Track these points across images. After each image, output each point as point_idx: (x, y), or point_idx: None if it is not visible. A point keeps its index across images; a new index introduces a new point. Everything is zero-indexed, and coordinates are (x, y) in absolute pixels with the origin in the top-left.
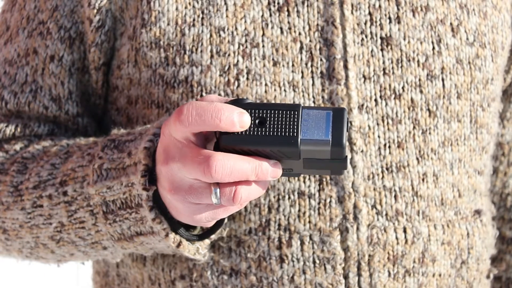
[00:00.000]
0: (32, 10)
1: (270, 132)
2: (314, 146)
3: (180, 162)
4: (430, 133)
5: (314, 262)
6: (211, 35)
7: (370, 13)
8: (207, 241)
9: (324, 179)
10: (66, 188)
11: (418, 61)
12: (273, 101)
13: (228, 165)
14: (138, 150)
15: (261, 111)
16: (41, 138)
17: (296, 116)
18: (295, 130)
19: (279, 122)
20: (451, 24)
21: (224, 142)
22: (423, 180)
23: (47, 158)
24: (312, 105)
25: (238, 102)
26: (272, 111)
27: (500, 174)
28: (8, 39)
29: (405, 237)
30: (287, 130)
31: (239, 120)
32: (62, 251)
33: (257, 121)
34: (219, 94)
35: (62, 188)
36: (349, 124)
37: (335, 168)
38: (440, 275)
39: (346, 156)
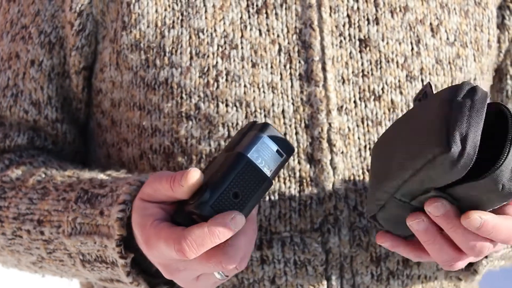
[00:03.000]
0: (16, 14)
1: (246, 195)
2: (278, 169)
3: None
4: None
5: (295, 263)
6: (190, 37)
7: (348, 15)
8: None
9: (304, 180)
10: (43, 228)
11: (397, 62)
12: (251, 103)
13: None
14: (110, 213)
15: (229, 184)
16: (21, 158)
17: (251, 166)
18: (261, 174)
19: (246, 182)
20: (430, 24)
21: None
22: None
23: (25, 190)
24: (291, 106)
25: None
26: (235, 178)
27: None
28: None
29: None
30: (255, 179)
31: (235, 227)
32: (45, 273)
33: (231, 197)
34: (199, 96)
35: (40, 228)
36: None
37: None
38: (425, 277)
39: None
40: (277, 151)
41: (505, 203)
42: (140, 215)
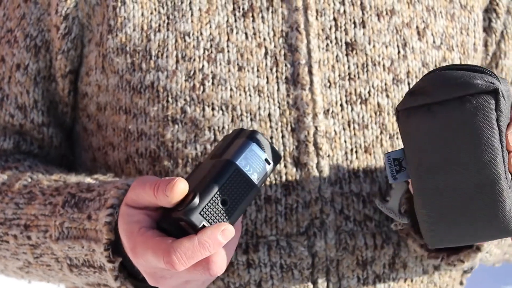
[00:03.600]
0: (1, 18)
1: (234, 202)
2: (266, 176)
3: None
4: (397, 138)
5: (281, 267)
6: (176, 41)
7: (335, 19)
8: None
9: (290, 184)
10: (30, 233)
11: (383, 65)
12: (238, 106)
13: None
14: (98, 217)
15: (218, 192)
16: (7, 163)
17: (240, 173)
18: (249, 182)
19: (235, 190)
20: (417, 27)
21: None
22: (391, 185)
23: (12, 195)
24: (278, 110)
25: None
26: (223, 186)
27: None
28: None
29: (374, 242)
30: (244, 187)
31: (225, 239)
32: (32, 279)
33: (219, 204)
34: (185, 99)
35: (26, 232)
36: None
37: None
38: (411, 280)
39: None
40: (265, 159)
41: None
42: (126, 221)
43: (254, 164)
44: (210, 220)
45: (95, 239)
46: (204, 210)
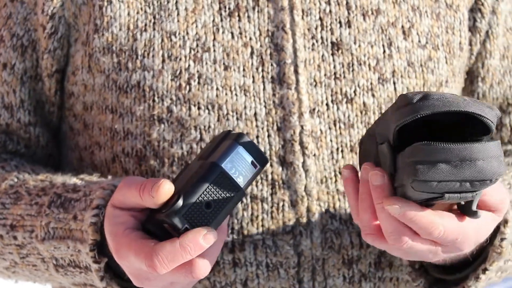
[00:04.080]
0: None
1: (218, 206)
2: (252, 179)
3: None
4: None
5: (267, 266)
6: (162, 40)
7: (320, 18)
8: None
9: (276, 183)
10: (16, 233)
11: (369, 64)
12: (224, 106)
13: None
14: (84, 218)
15: (202, 194)
16: None
17: (225, 176)
18: (234, 185)
19: (219, 192)
20: (402, 27)
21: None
22: None
23: None
24: (264, 109)
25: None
26: (208, 188)
27: None
28: None
29: (360, 241)
30: (229, 190)
31: (207, 244)
32: (19, 278)
33: (203, 207)
34: (171, 99)
35: (13, 233)
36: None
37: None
38: (397, 279)
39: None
40: (252, 162)
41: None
42: (112, 223)
43: (240, 167)
44: (193, 223)
45: (81, 239)
46: (188, 213)
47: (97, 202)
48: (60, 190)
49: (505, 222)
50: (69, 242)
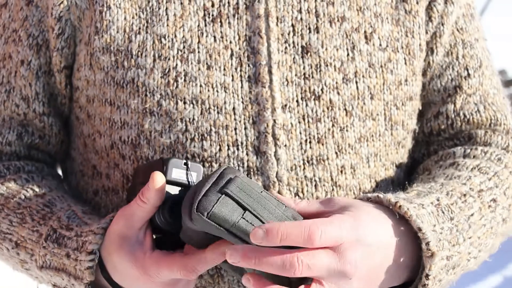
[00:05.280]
0: (7, 19)
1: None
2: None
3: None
4: (347, 130)
5: None
6: (154, 42)
7: (293, 25)
8: None
9: (251, 170)
10: (19, 251)
11: (334, 66)
12: (206, 101)
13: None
14: (77, 258)
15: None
16: (8, 170)
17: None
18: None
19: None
20: (365, 32)
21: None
22: (341, 172)
23: (7, 211)
24: (241, 105)
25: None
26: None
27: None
28: None
29: None
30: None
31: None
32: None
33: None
34: (160, 94)
35: (16, 250)
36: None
37: None
38: None
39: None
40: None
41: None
42: (127, 251)
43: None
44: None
45: (75, 276)
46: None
47: (92, 248)
48: (56, 225)
49: (415, 225)
50: (64, 275)
